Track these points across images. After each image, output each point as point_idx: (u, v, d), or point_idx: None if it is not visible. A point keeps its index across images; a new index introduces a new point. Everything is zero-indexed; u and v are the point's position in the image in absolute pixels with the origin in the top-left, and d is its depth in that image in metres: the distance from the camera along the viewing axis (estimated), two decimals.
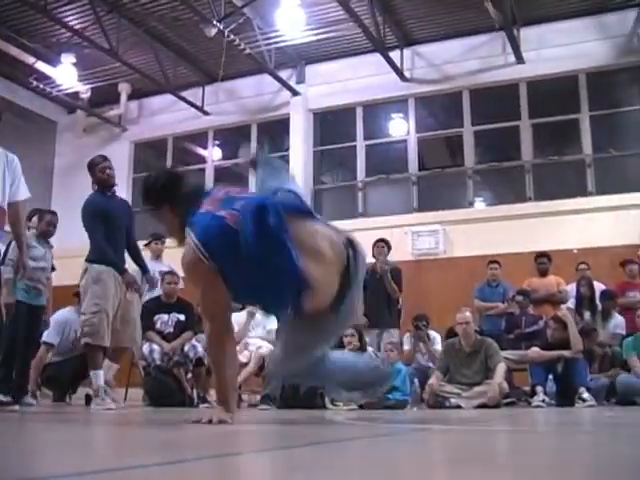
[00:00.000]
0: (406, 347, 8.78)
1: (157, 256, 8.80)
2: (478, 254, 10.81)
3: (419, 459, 1.88)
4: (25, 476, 1.35)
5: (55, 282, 7.55)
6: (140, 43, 13.05)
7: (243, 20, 11.92)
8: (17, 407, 5.95)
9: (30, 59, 13.19)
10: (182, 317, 7.76)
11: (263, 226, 3.36)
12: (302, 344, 3.64)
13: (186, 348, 7.66)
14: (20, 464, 1.57)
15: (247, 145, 14.47)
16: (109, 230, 6.24)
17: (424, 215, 12.44)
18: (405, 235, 12.10)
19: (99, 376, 6.14)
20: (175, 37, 13.10)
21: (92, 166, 6.36)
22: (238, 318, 7.62)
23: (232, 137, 15.05)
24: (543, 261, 9.61)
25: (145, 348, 7.53)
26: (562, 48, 11.81)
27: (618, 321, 8.66)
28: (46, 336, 7.81)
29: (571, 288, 9.23)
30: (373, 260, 8.58)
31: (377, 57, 12.43)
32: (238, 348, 6.80)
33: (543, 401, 7.45)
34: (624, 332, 8.49)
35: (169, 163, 14.61)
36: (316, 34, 12.58)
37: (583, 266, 9.54)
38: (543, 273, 9.59)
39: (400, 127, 13.68)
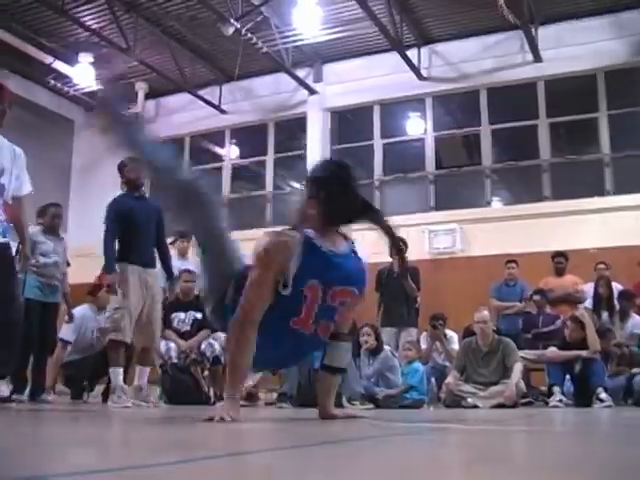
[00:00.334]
0: (423, 346, 8.79)
1: (183, 254, 8.78)
2: (495, 253, 10.79)
3: (436, 459, 1.87)
4: (35, 474, 1.36)
5: (71, 280, 7.59)
6: (157, 42, 13.13)
7: (260, 19, 11.96)
8: (14, 404, 6.01)
9: (48, 58, 13.30)
10: (199, 315, 7.76)
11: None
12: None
13: (203, 346, 7.69)
14: (32, 460, 1.58)
15: (264, 144, 14.49)
16: (132, 231, 6.30)
17: (441, 214, 12.42)
18: (422, 234, 12.09)
19: (118, 374, 6.20)
20: (192, 36, 13.14)
21: (122, 167, 6.46)
22: None
23: (249, 136, 15.07)
24: (560, 260, 9.57)
25: (162, 346, 7.55)
26: (580, 46, 11.73)
27: (636, 321, 8.60)
28: (62, 333, 7.86)
29: (589, 288, 9.18)
30: (390, 260, 8.58)
31: (394, 56, 12.42)
32: None
33: (560, 401, 7.40)
34: None
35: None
36: (333, 33, 12.59)
37: (602, 266, 9.47)
38: (560, 273, 9.55)
39: (417, 126, 13.67)
